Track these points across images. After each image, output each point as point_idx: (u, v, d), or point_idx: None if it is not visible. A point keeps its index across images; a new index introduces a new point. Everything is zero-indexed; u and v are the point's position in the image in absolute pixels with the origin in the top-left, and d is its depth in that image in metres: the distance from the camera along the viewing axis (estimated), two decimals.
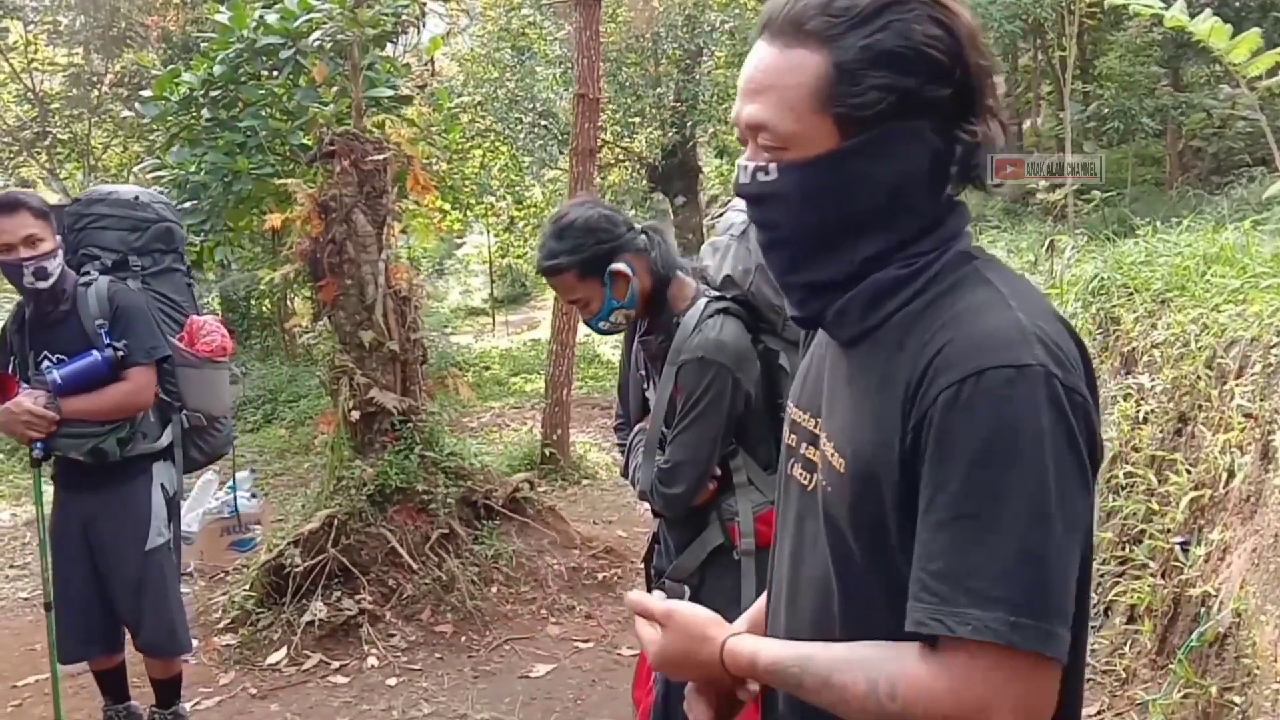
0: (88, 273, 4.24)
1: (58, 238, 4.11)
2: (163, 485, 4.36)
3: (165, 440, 4.36)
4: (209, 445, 4.56)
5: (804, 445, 1.62)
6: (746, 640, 1.55)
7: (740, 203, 3.26)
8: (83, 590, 4.32)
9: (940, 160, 1.44)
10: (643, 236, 3.18)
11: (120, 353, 4.11)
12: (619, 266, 3.10)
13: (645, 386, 3.36)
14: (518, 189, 21.44)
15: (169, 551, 4.41)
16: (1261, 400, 3.82)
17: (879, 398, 1.42)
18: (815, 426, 1.58)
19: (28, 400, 4.06)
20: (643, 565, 3.58)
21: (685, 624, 1.61)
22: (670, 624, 1.62)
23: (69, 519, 4.36)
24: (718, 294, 3.12)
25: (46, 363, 4.13)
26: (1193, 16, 4.85)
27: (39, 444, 4.15)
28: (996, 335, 1.33)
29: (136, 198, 4.42)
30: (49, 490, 4.51)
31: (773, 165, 1.47)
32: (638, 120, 20.51)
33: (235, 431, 4.87)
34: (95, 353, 4.09)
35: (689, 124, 19.70)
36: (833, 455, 1.49)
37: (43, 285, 4.06)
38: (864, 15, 1.38)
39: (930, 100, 1.39)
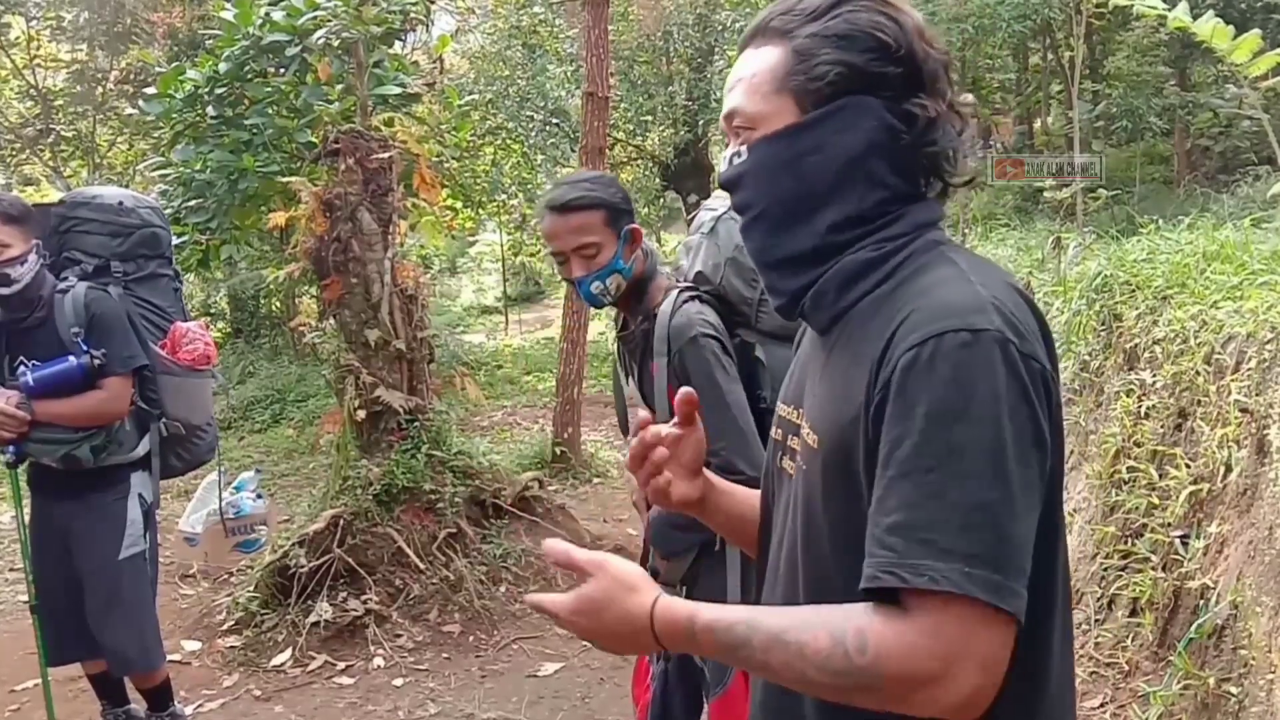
0: (66, 278, 4.17)
1: (34, 241, 4.05)
2: (140, 495, 4.30)
3: (142, 450, 4.29)
4: (190, 454, 4.48)
5: (789, 438, 1.67)
6: (683, 601, 1.50)
7: (712, 202, 3.37)
8: (63, 594, 4.30)
9: (895, 133, 1.53)
10: None
11: (97, 361, 4.04)
12: (638, 226, 3.18)
13: (625, 384, 3.40)
14: (530, 187, 21.46)
15: (144, 562, 4.34)
16: (1257, 395, 3.83)
17: (849, 374, 1.48)
18: (797, 417, 1.64)
19: (0, 400, 4.04)
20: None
21: (616, 573, 1.54)
22: (600, 572, 1.54)
23: (48, 524, 4.32)
24: (689, 286, 3.19)
25: (22, 368, 4.09)
26: (1197, 18, 4.87)
27: (11, 448, 4.10)
28: (955, 304, 1.39)
29: (121, 203, 4.31)
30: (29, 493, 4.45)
31: (744, 148, 1.60)
32: (650, 119, 20.56)
33: (219, 439, 4.80)
34: (71, 358, 4.04)
35: (701, 122, 19.78)
36: (808, 435, 1.56)
37: (6, 291, 3.99)
38: (818, 12, 1.55)
39: (879, 76, 1.52)
